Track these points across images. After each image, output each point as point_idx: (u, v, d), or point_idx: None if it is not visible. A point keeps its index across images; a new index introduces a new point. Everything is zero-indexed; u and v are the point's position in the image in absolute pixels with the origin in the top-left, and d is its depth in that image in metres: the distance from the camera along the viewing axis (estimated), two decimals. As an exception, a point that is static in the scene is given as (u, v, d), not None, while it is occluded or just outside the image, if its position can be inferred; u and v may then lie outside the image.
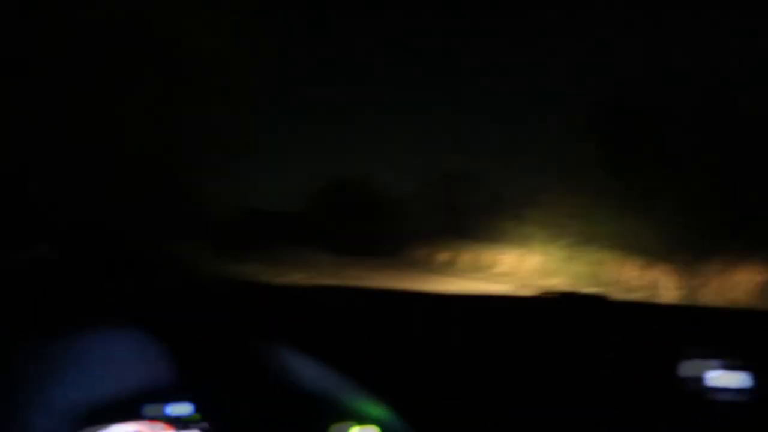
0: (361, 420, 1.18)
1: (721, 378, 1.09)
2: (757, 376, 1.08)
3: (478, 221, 22.00)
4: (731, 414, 1.09)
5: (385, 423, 1.17)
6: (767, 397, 1.09)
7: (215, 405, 1.16)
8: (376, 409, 1.18)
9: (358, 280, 12.35)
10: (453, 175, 30.38)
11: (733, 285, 9.69)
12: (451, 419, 1.10)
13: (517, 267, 13.71)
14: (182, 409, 1.22)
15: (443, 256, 16.56)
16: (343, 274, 12.26)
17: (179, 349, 1.20)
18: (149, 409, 1.20)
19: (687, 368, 1.12)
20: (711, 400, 1.11)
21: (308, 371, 1.21)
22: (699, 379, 1.11)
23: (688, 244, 11.23)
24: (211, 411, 1.17)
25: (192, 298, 1.43)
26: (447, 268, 15.61)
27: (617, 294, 10.69)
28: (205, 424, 1.21)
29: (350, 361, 1.16)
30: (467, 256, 15.68)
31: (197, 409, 1.19)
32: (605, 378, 1.20)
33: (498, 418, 1.11)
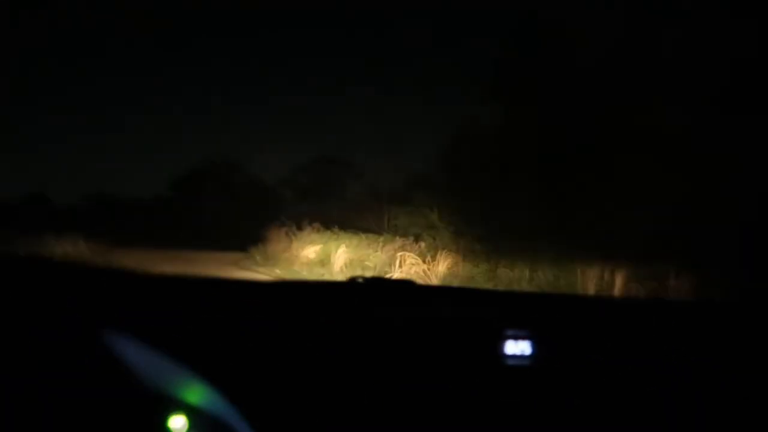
0: (175, 408, 1.15)
1: (510, 347, 1.33)
2: (536, 344, 1.33)
3: (357, 211, 18.36)
4: (520, 376, 1.33)
5: (203, 409, 1.16)
6: (547, 361, 1.34)
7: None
8: (195, 395, 1.16)
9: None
10: (326, 160, 26.79)
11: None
12: (275, 404, 1.15)
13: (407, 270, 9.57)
14: None
15: (310, 252, 12.02)
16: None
17: None
18: None
19: (487, 341, 1.34)
20: (505, 365, 1.32)
21: (140, 360, 1.14)
22: (495, 349, 1.32)
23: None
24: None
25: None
26: (315, 266, 11.46)
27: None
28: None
29: (180, 348, 1.16)
30: (344, 252, 10.94)
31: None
32: (413, 357, 1.29)
33: (316, 400, 1.18)
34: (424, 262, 9.73)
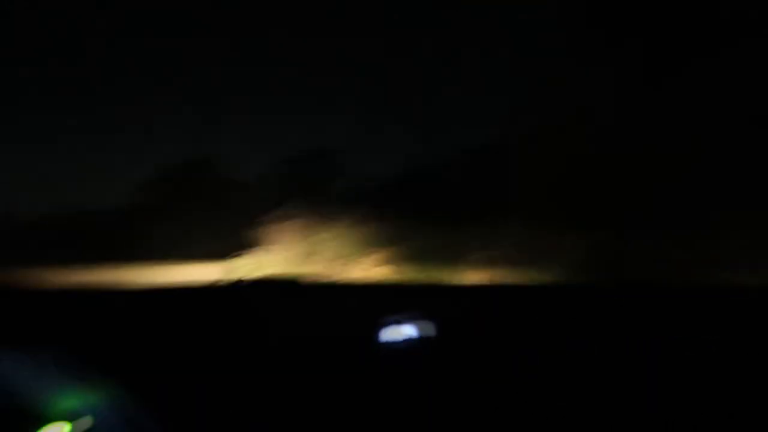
0: (60, 417, 1.25)
1: (392, 332, 1.51)
2: (419, 327, 1.52)
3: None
4: (405, 359, 1.47)
5: (111, 412, 1.28)
6: (428, 342, 1.50)
7: None
8: (86, 400, 1.26)
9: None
10: (311, 152, 24.07)
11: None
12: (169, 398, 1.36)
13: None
14: None
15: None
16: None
17: None
18: None
19: (366, 329, 1.52)
20: (387, 351, 1.49)
21: (18, 373, 1.24)
22: (375, 338, 1.52)
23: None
24: None
25: None
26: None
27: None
28: None
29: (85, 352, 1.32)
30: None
31: None
32: (301, 350, 1.60)
33: (207, 394, 1.41)
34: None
